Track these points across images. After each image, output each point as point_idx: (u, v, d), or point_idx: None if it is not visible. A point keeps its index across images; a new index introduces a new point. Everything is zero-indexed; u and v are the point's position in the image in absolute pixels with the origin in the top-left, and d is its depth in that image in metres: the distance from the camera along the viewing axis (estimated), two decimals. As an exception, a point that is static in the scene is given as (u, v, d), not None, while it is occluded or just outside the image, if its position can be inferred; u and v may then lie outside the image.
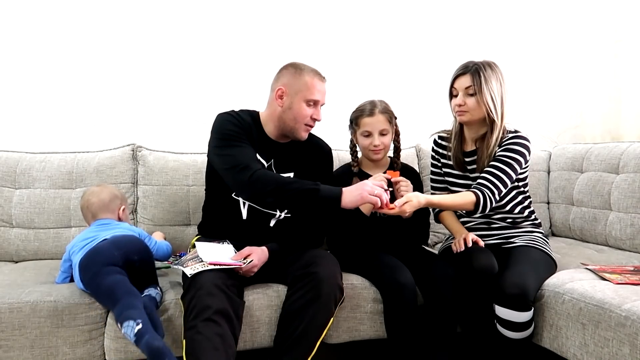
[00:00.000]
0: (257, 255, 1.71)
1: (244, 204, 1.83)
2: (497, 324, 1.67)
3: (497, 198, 1.82)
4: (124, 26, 2.54)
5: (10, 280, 1.78)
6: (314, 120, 1.83)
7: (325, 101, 1.87)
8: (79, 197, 2.19)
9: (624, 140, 2.56)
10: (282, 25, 2.68)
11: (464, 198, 1.80)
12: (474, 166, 1.93)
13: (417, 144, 2.58)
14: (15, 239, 2.14)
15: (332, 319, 1.68)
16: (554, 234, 2.49)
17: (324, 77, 1.85)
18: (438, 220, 2.07)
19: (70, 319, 1.59)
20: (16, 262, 2.12)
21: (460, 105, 1.86)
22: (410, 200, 1.69)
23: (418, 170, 2.34)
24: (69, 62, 2.50)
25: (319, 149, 1.97)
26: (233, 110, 1.87)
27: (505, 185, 1.82)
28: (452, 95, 1.92)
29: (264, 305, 1.72)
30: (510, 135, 1.88)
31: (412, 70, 2.84)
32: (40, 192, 2.19)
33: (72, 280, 1.74)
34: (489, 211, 1.85)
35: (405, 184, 1.83)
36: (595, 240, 2.25)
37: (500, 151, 1.86)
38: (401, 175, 2.02)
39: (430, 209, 2.12)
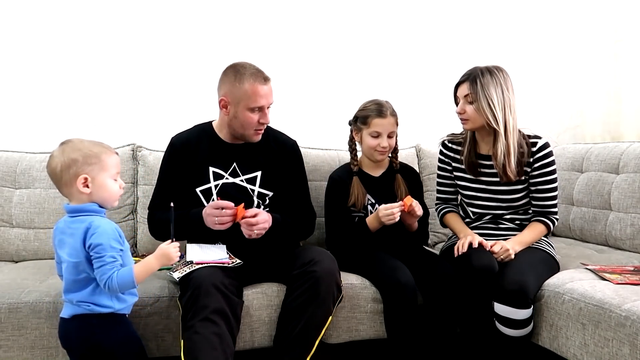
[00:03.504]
0: (264, 216, 1.70)
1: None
2: (496, 322, 1.68)
3: (558, 216, 1.93)
4: (124, 27, 2.54)
5: (10, 280, 1.78)
6: (262, 124, 1.79)
7: (274, 100, 1.80)
8: (78, 197, 2.20)
9: (624, 140, 2.56)
10: (282, 26, 2.68)
11: (538, 230, 1.89)
12: (491, 170, 1.92)
13: (417, 144, 2.58)
14: (15, 239, 2.14)
15: (330, 317, 1.69)
16: (554, 234, 2.49)
17: (266, 78, 1.76)
18: (443, 223, 2.07)
19: (70, 319, 1.59)
20: (16, 262, 2.12)
21: (460, 113, 1.88)
22: (508, 249, 1.77)
23: (418, 170, 2.35)
24: (69, 63, 2.51)
25: (283, 145, 1.95)
26: (179, 134, 1.90)
27: (557, 199, 1.93)
28: (456, 102, 1.93)
29: (263, 304, 1.72)
30: (539, 144, 1.87)
31: (412, 70, 2.83)
32: (40, 192, 2.19)
33: None
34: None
35: (416, 206, 1.84)
36: (595, 240, 2.25)
37: (543, 167, 1.87)
38: (401, 175, 2.02)
39: (435, 212, 2.11)
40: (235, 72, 1.76)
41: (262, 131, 1.84)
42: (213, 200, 1.79)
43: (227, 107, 1.79)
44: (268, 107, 1.79)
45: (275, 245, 1.82)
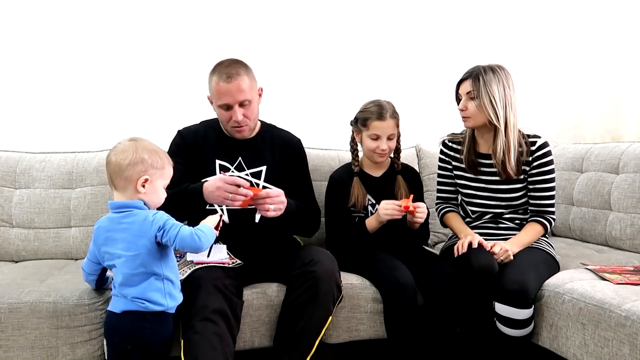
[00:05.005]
0: (275, 190, 1.66)
1: (222, 210, 1.83)
2: (497, 322, 1.68)
3: (555, 216, 1.93)
4: (123, 27, 2.54)
5: (10, 280, 1.78)
6: (237, 122, 1.78)
7: (246, 97, 1.75)
8: (79, 197, 2.20)
9: (624, 140, 2.56)
10: (283, 26, 2.68)
11: (535, 230, 1.88)
12: (491, 169, 1.93)
13: (417, 144, 2.58)
14: (15, 239, 2.14)
15: (330, 317, 1.69)
16: (554, 234, 2.49)
17: (231, 75, 1.72)
18: (444, 223, 2.07)
19: (69, 319, 1.59)
20: (16, 262, 2.12)
21: (462, 110, 1.89)
22: (507, 250, 1.76)
23: (418, 170, 2.35)
24: (68, 63, 2.51)
25: (287, 143, 1.97)
26: (187, 127, 1.93)
27: (554, 199, 1.92)
28: (458, 100, 1.93)
29: (263, 304, 1.72)
30: (538, 144, 1.88)
31: (412, 70, 2.83)
32: (40, 192, 2.19)
33: (99, 280, 1.62)
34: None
35: (420, 210, 1.82)
36: (595, 240, 2.25)
37: (541, 166, 1.87)
38: (402, 175, 2.02)
39: (435, 211, 2.12)
40: (211, 71, 1.81)
41: (244, 128, 1.83)
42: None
43: (212, 103, 1.84)
44: (241, 105, 1.77)
45: (275, 245, 1.83)
